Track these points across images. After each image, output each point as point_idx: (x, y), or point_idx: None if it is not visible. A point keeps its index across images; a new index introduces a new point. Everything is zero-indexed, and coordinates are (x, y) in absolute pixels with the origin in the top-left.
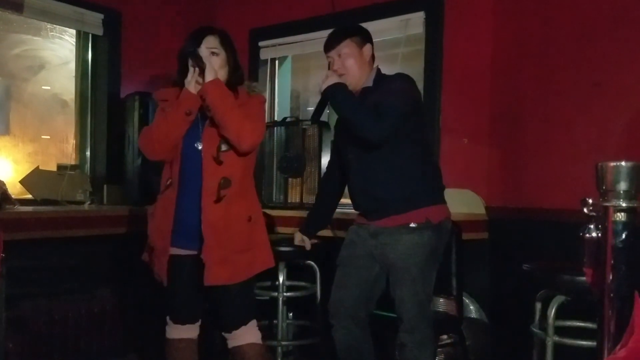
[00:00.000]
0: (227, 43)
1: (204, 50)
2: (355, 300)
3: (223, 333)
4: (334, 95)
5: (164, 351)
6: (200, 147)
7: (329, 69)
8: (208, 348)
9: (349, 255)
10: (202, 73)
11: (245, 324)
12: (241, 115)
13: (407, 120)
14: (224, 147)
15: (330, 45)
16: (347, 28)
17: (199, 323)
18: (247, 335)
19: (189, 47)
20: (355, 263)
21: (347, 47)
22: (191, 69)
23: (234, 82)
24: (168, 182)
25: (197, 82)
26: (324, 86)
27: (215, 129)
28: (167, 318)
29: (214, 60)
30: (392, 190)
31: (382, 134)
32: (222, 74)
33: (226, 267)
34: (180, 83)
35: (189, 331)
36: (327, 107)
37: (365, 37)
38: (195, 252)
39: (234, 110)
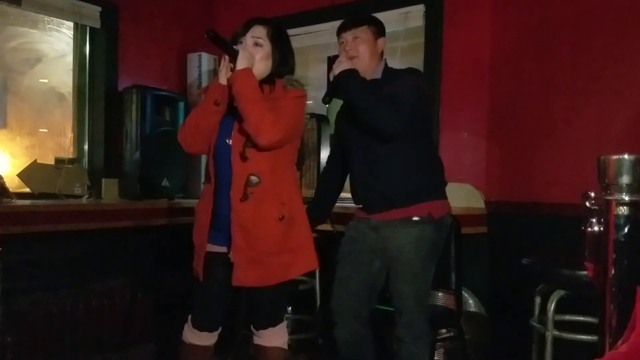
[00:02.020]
0: (276, 36)
1: (248, 39)
2: (357, 297)
3: (252, 327)
4: (348, 81)
5: (167, 346)
6: (230, 143)
7: (342, 50)
8: (227, 343)
9: (349, 251)
10: (233, 61)
11: (274, 325)
12: (264, 108)
13: (417, 115)
14: (250, 143)
15: (347, 26)
16: (367, 16)
17: (217, 332)
18: (274, 337)
19: (238, 35)
20: (356, 259)
21: (363, 33)
22: (223, 60)
23: (274, 76)
24: (208, 176)
25: (231, 69)
26: (337, 70)
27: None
28: (189, 317)
29: (256, 50)
30: (397, 184)
31: (400, 127)
32: (263, 66)
33: (256, 268)
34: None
35: (207, 339)
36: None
37: (382, 31)
38: (225, 249)
39: (257, 102)
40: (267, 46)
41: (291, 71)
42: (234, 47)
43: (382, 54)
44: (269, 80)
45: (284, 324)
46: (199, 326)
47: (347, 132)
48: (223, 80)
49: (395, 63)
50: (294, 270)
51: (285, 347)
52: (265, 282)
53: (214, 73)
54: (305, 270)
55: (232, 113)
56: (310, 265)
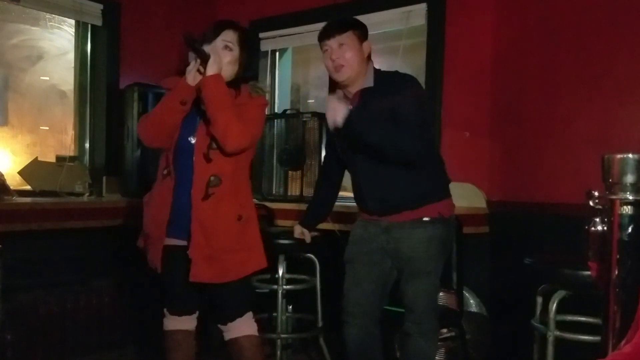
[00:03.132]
0: (244, 41)
1: (218, 42)
2: (370, 297)
3: (219, 325)
4: (353, 128)
5: (162, 343)
6: (193, 142)
7: (328, 59)
8: (207, 341)
9: (360, 252)
10: (203, 64)
11: (241, 316)
12: (233, 115)
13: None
14: (214, 145)
15: (330, 33)
16: (350, 20)
17: (196, 315)
18: (243, 327)
19: (207, 37)
20: (366, 259)
21: (348, 38)
22: (192, 60)
23: (240, 80)
24: (165, 172)
25: (198, 71)
26: (339, 120)
27: (209, 126)
28: (165, 309)
29: (225, 54)
30: (406, 193)
31: (424, 150)
32: (230, 70)
33: (213, 265)
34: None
35: (186, 322)
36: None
37: (365, 34)
38: (185, 243)
39: (227, 109)
40: (236, 51)
41: (255, 77)
42: (205, 50)
43: (369, 57)
44: (234, 84)
45: (250, 314)
46: (177, 311)
47: (346, 143)
48: (192, 81)
49: (397, 62)
50: (249, 267)
51: (257, 333)
52: (222, 279)
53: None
54: (258, 267)
55: (195, 111)
56: (262, 263)
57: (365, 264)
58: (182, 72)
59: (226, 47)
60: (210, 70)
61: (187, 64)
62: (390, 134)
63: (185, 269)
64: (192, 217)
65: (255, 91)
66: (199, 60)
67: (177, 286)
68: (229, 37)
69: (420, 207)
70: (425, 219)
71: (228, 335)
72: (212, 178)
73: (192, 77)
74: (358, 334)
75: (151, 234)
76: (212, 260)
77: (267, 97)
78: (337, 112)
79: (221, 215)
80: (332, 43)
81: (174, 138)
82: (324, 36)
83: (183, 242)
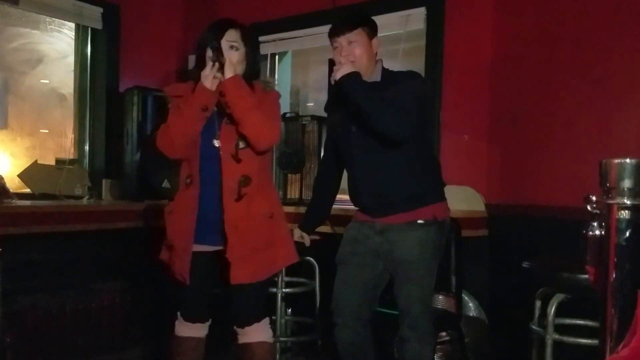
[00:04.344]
0: (247, 38)
1: (224, 44)
2: (360, 298)
3: (235, 327)
4: (351, 85)
5: (168, 346)
6: (217, 145)
7: (338, 55)
8: (215, 343)
9: (352, 253)
10: (221, 68)
11: (258, 321)
12: (260, 113)
13: (419, 119)
14: (241, 145)
15: (340, 30)
16: (360, 16)
17: (208, 323)
18: (259, 332)
19: (210, 39)
20: (358, 261)
21: (358, 35)
22: (209, 63)
23: (250, 77)
24: (188, 180)
25: (215, 76)
26: (339, 75)
27: (233, 127)
28: (178, 314)
29: (232, 54)
30: (401, 188)
31: (409, 132)
32: (240, 69)
33: (249, 265)
34: (196, 76)
35: (198, 330)
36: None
37: (375, 30)
38: (216, 248)
39: (254, 109)
40: (242, 49)
41: (259, 71)
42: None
43: (376, 54)
44: (246, 81)
45: (267, 319)
46: (191, 318)
47: (344, 136)
48: (211, 86)
49: (396, 65)
50: (278, 264)
51: (271, 341)
52: (257, 278)
53: (187, 74)
54: (288, 262)
55: (213, 114)
56: (292, 257)
57: (356, 266)
58: (185, 78)
59: (232, 47)
60: (229, 72)
61: (187, 70)
62: (381, 107)
63: (210, 273)
64: (225, 220)
65: (267, 86)
66: (216, 65)
67: (197, 291)
68: (232, 36)
69: (414, 209)
70: (420, 221)
71: (242, 339)
72: (242, 178)
73: (209, 81)
74: (348, 337)
75: (176, 245)
76: (247, 260)
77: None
78: (341, 68)
79: (253, 215)
80: (342, 40)
81: (196, 145)
82: (333, 33)
83: (208, 248)
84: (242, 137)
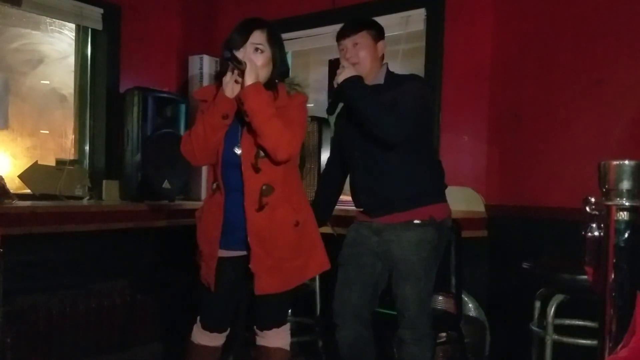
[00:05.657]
0: (274, 39)
1: (249, 47)
2: (360, 299)
3: (255, 328)
4: (351, 89)
5: (168, 346)
6: (239, 152)
7: (343, 57)
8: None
9: (351, 254)
10: (241, 74)
11: (279, 326)
12: (280, 124)
13: (419, 122)
14: (262, 154)
15: (346, 33)
16: (365, 19)
17: (227, 332)
18: (277, 338)
19: (235, 41)
20: (358, 261)
21: (363, 38)
22: (229, 72)
23: (278, 78)
24: (214, 186)
25: (236, 81)
26: (341, 78)
27: (254, 136)
28: (198, 319)
29: (257, 57)
30: (400, 190)
31: (402, 137)
32: (265, 72)
33: (276, 275)
34: (220, 80)
35: (216, 339)
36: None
37: (381, 33)
38: (243, 254)
39: (273, 119)
40: (267, 51)
41: (287, 73)
42: (240, 58)
43: (382, 57)
44: (270, 84)
45: (287, 325)
46: (210, 327)
47: (348, 137)
48: (231, 93)
49: (396, 66)
50: (309, 272)
51: (288, 348)
52: (285, 287)
53: (215, 77)
54: (320, 270)
55: (237, 120)
56: (323, 265)
57: (355, 266)
58: (216, 78)
59: (257, 49)
60: (249, 79)
61: (219, 71)
62: (378, 111)
63: (230, 278)
64: (248, 229)
65: (292, 89)
66: (236, 71)
67: (218, 299)
68: (258, 38)
69: (411, 209)
70: (416, 221)
71: (261, 342)
72: (264, 187)
73: (230, 89)
74: (349, 337)
75: (204, 251)
76: (274, 270)
77: (306, 91)
78: (343, 72)
79: (277, 224)
80: (347, 43)
81: (219, 152)
82: (340, 36)
83: (235, 253)
84: (261, 147)
